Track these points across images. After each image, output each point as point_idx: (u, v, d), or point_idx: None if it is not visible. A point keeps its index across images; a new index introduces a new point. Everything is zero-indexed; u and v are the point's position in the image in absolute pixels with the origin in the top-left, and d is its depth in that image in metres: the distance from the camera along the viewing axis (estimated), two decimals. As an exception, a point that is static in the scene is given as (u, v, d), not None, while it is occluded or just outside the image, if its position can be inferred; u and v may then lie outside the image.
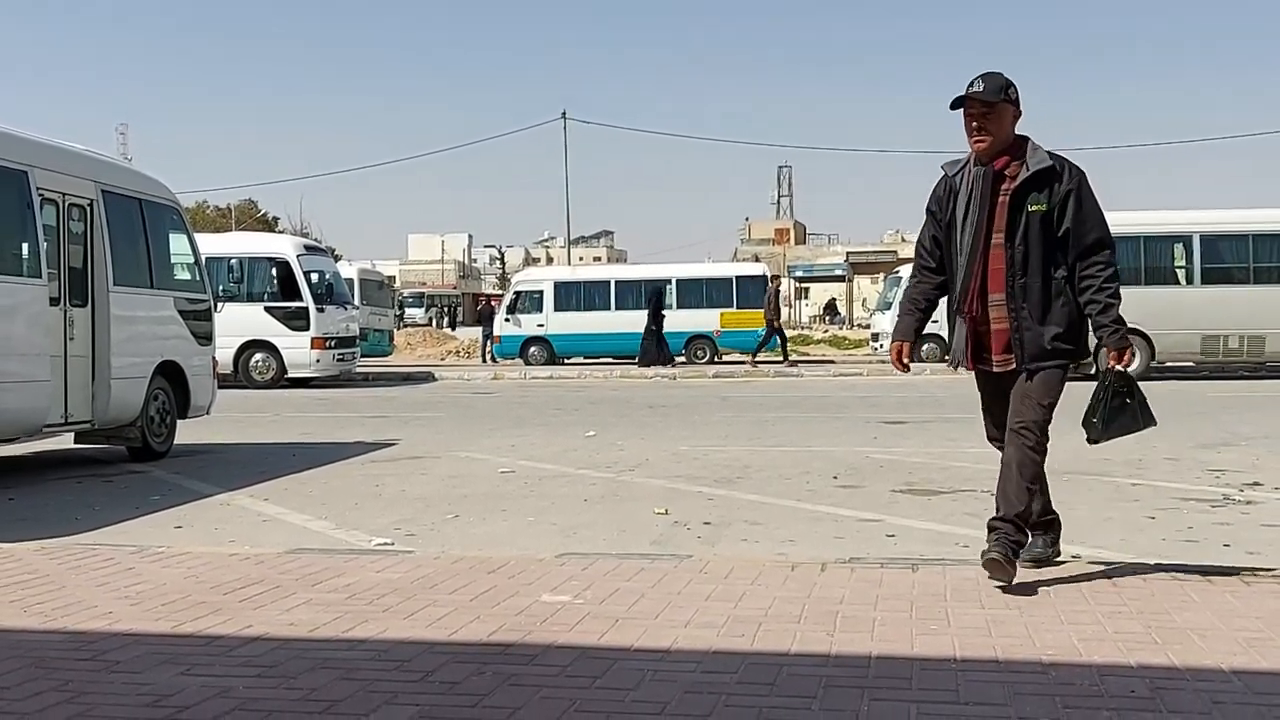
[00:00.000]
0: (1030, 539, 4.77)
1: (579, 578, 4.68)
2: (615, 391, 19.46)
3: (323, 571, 4.88)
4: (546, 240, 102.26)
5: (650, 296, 26.06)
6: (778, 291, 26.03)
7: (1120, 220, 20.54)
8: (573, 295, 27.87)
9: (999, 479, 4.70)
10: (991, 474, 8.47)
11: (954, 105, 4.55)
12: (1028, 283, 4.49)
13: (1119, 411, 4.59)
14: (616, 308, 27.44)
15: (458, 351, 33.96)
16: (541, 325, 27.50)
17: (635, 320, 26.52)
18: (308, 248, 22.94)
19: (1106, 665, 3.42)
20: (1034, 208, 4.47)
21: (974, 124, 4.52)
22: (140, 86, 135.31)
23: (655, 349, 25.31)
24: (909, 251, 48.08)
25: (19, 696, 3.25)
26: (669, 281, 27.65)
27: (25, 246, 8.70)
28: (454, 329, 50.37)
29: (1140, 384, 4.65)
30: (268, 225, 60.01)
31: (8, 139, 8.81)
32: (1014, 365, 4.56)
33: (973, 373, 4.81)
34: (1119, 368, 4.53)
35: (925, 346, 26.34)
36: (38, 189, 8.78)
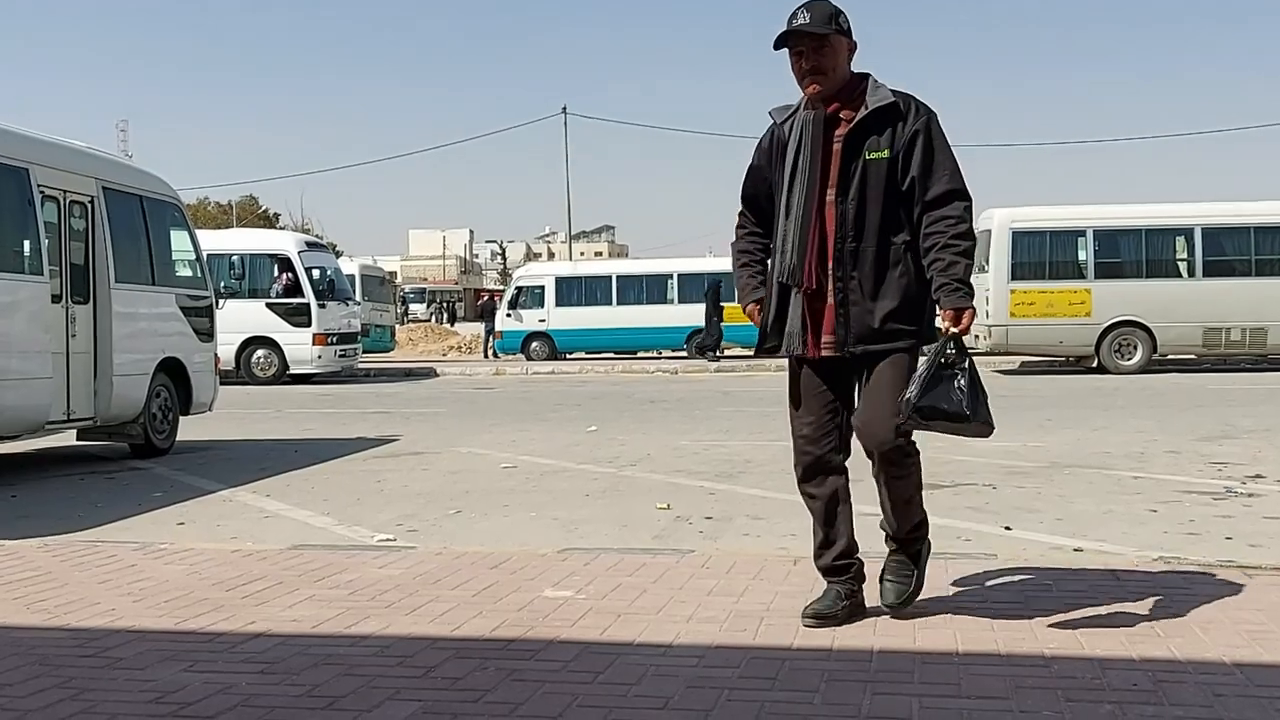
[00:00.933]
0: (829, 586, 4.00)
1: (581, 573, 4.69)
2: (617, 386, 19.46)
3: (325, 568, 4.88)
4: (548, 235, 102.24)
5: (710, 287, 26.05)
6: None
7: (1122, 213, 20.77)
8: (574, 290, 27.87)
9: (880, 500, 4.02)
10: (996, 466, 8.53)
11: (777, 44, 3.79)
12: (860, 248, 3.74)
13: (938, 388, 3.65)
14: (618, 303, 27.44)
15: (459, 347, 33.95)
16: (543, 320, 27.50)
17: (637, 315, 26.53)
18: (309, 244, 22.95)
19: (1108, 658, 3.42)
20: (872, 155, 3.74)
21: (803, 63, 3.78)
22: (141, 83, 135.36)
23: (711, 335, 25.37)
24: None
25: (22, 694, 3.25)
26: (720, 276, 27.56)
27: (26, 244, 8.70)
28: (454, 324, 50.36)
29: (980, 372, 3.78)
30: (269, 221, 59.99)
31: (8, 136, 8.82)
32: (834, 349, 3.80)
33: (789, 360, 3.98)
34: (954, 330, 3.68)
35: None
36: (39, 186, 8.78)
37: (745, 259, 4.06)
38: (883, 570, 4.04)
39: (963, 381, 3.66)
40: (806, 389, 3.92)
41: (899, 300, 3.75)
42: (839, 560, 3.98)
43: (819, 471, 3.98)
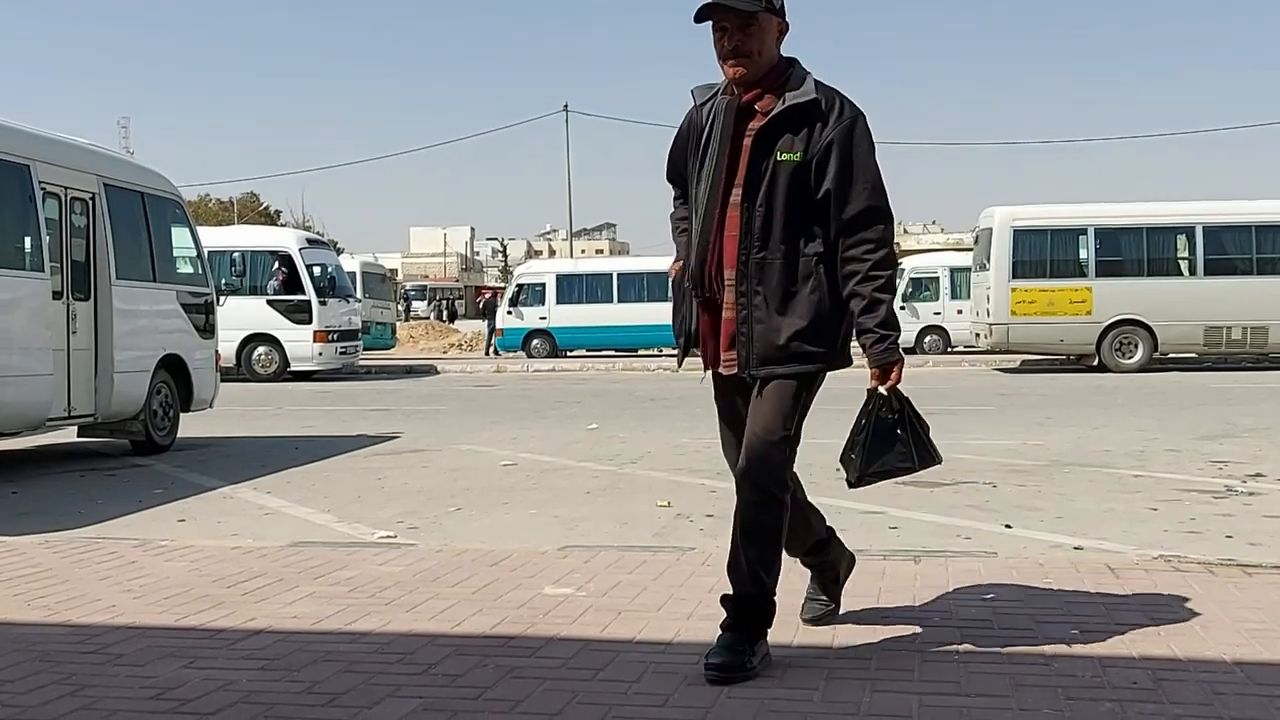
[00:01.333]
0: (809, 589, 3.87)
1: (581, 570, 4.69)
2: (617, 384, 19.46)
3: (325, 565, 4.88)
4: (549, 233, 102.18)
5: None
6: None
7: (1123, 211, 20.76)
8: (575, 288, 27.87)
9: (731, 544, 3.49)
10: (994, 464, 8.53)
11: (698, 17, 3.35)
12: (766, 259, 3.35)
13: (883, 445, 3.45)
14: (619, 300, 27.44)
15: (460, 344, 33.97)
16: (544, 318, 27.51)
17: (638, 313, 26.53)
18: (310, 241, 22.94)
19: (1109, 656, 3.42)
20: (784, 156, 3.32)
21: (725, 42, 3.35)
22: (142, 80, 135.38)
23: None
24: (911, 243, 47.95)
25: (22, 690, 3.25)
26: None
27: (27, 240, 8.70)
28: (452, 321, 50.33)
29: (917, 411, 3.51)
30: (270, 218, 59.99)
31: (9, 133, 8.82)
32: (736, 369, 3.44)
33: (710, 375, 3.63)
34: (882, 390, 3.42)
35: (928, 338, 26.43)
36: (40, 183, 8.78)
37: (684, 225, 3.63)
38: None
39: (902, 432, 3.46)
40: (723, 411, 3.63)
41: (808, 319, 3.36)
42: (814, 555, 3.83)
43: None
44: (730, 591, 3.42)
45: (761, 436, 3.37)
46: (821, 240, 3.37)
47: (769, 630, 3.40)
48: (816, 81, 3.39)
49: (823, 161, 3.32)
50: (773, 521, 3.40)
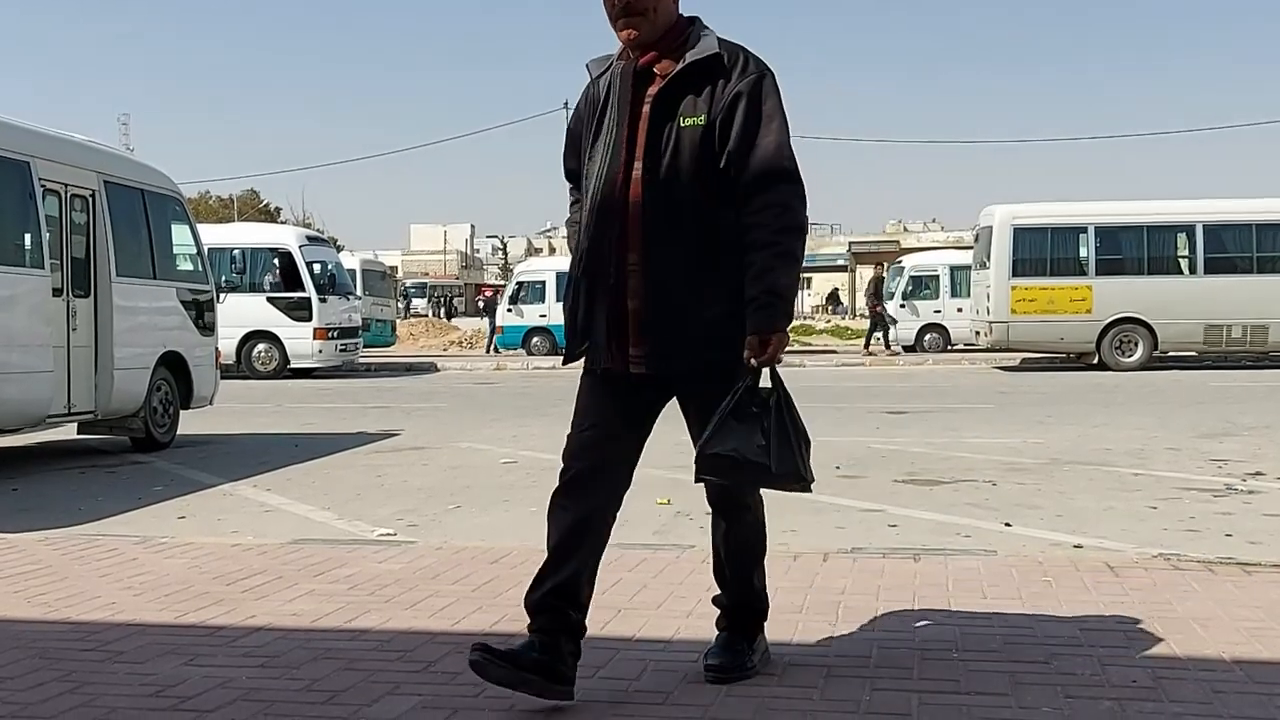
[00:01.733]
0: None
1: (581, 568, 4.68)
2: (617, 382, 19.44)
3: (325, 562, 4.88)
4: (549, 230, 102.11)
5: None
6: (880, 279, 26.00)
7: (1123, 210, 20.76)
8: (575, 285, 27.84)
9: (714, 553, 3.31)
10: (994, 463, 8.53)
11: None
12: (673, 237, 2.97)
13: (735, 432, 2.94)
14: (619, 298, 27.41)
15: (460, 342, 33.96)
16: (544, 315, 27.48)
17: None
18: (310, 238, 22.94)
19: (1108, 654, 3.42)
20: (688, 121, 2.97)
21: (617, 1, 3.03)
22: (142, 77, 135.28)
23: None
24: (911, 241, 47.97)
25: (22, 687, 3.26)
26: None
27: (28, 237, 8.70)
28: (450, 318, 50.30)
29: (795, 411, 3.06)
30: (270, 216, 59.98)
31: (10, 130, 8.82)
32: (643, 366, 3.04)
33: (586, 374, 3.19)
34: (755, 363, 2.96)
35: (928, 336, 26.42)
36: (40, 180, 8.78)
37: (576, 229, 3.24)
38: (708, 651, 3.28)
39: (767, 424, 2.94)
40: (597, 411, 3.14)
41: (726, 305, 2.98)
42: (554, 598, 3.07)
43: (582, 488, 3.15)
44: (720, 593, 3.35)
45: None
46: (738, 215, 3.01)
47: (765, 624, 3.38)
48: (719, 39, 3.06)
49: (726, 121, 2.97)
50: (749, 534, 3.24)
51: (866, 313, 26.11)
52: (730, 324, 2.98)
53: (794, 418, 3.02)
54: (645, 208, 2.99)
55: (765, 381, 3.05)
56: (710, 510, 3.26)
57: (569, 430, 3.18)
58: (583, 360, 3.18)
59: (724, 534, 3.24)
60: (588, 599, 3.13)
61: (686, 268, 2.99)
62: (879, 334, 25.83)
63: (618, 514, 3.21)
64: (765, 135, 2.99)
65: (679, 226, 2.98)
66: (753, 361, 2.96)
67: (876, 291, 25.65)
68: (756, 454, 2.92)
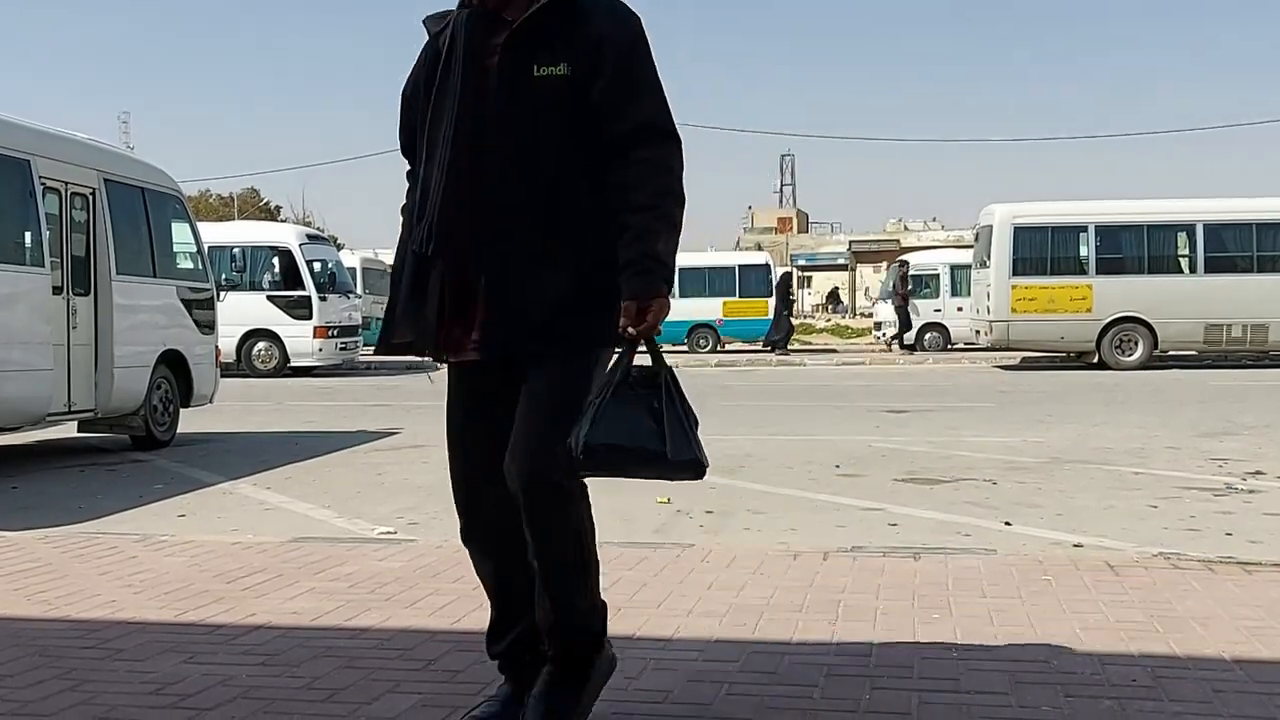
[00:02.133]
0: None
1: (581, 566, 4.68)
2: (618, 380, 19.44)
3: (325, 560, 4.88)
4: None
5: (780, 282, 26.69)
6: (905, 277, 25.81)
7: (1124, 209, 20.78)
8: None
9: (538, 579, 2.74)
10: (994, 461, 8.53)
11: None
12: (524, 204, 2.58)
13: (619, 417, 2.53)
14: (619, 296, 27.46)
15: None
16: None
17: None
18: (310, 236, 22.95)
19: (1108, 654, 3.42)
20: (542, 70, 2.59)
21: None
22: (142, 75, 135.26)
23: (779, 330, 25.76)
24: (912, 240, 47.91)
25: (22, 685, 3.26)
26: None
27: (28, 235, 8.71)
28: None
29: (681, 390, 2.62)
30: (270, 214, 59.96)
31: (10, 128, 8.82)
32: (481, 352, 2.64)
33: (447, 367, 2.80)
34: (632, 332, 2.57)
35: (928, 335, 26.43)
36: (40, 178, 8.78)
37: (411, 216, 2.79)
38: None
39: (657, 405, 2.57)
40: (465, 407, 2.78)
41: (579, 282, 2.60)
42: (514, 649, 2.87)
43: (481, 522, 2.81)
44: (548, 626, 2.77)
45: (528, 434, 2.60)
46: (595, 180, 2.63)
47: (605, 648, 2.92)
48: None
49: (592, 69, 2.59)
50: (563, 523, 2.68)
51: (893, 307, 25.68)
52: (586, 306, 2.60)
53: (683, 396, 2.62)
54: (493, 172, 2.60)
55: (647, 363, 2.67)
56: (524, 515, 2.65)
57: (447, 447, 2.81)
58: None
59: (539, 542, 2.67)
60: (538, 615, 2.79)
61: (538, 242, 2.59)
62: (896, 330, 25.53)
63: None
64: (639, 86, 2.64)
65: (531, 192, 2.59)
66: (630, 330, 2.57)
67: (903, 287, 25.28)
68: (651, 442, 2.54)
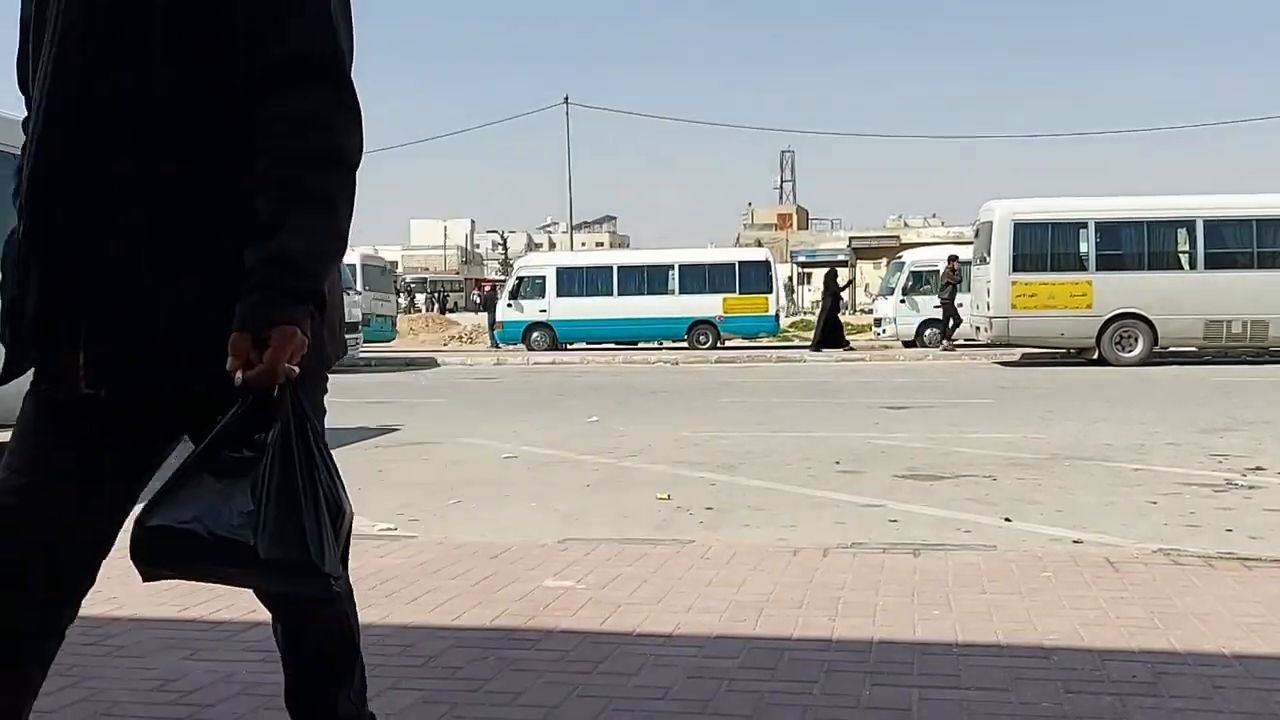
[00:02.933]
0: None
1: (581, 563, 4.69)
2: (617, 377, 19.46)
3: (326, 557, 4.88)
4: (549, 225, 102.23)
5: (828, 276, 26.50)
6: (955, 269, 24.74)
7: (1124, 205, 20.77)
8: (575, 281, 27.88)
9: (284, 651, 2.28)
10: (994, 458, 8.54)
11: None
12: (130, 176, 1.86)
13: (198, 492, 1.87)
14: (619, 293, 27.46)
15: (460, 337, 33.97)
16: (544, 311, 27.51)
17: (638, 306, 26.65)
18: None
19: (1108, 650, 3.43)
20: None
21: None
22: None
23: (825, 331, 25.51)
24: (912, 237, 47.83)
25: (23, 681, 3.26)
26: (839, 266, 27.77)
27: (27, 232, 8.70)
28: (444, 314, 50.25)
29: (324, 450, 2.08)
30: (270, 211, 59.86)
31: (11, 125, 8.81)
32: (90, 381, 1.90)
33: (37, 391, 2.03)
34: (240, 378, 1.81)
35: (929, 332, 26.41)
36: (39, 175, 8.77)
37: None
38: None
39: (264, 476, 1.86)
40: (36, 434, 2.01)
41: (209, 286, 1.87)
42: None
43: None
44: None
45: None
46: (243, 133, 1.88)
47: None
48: None
49: None
50: (330, 633, 2.36)
51: (939, 304, 24.96)
52: (214, 313, 1.85)
53: (315, 467, 1.99)
54: (92, 129, 1.87)
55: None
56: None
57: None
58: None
59: (291, 637, 2.23)
60: None
61: (151, 227, 1.86)
62: (950, 326, 24.72)
63: (58, 647, 2.05)
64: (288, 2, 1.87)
65: (142, 158, 1.86)
66: (238, 376, 1.81)
67: (953, 278, 24.07)
68: (232, 528, 1.81)
